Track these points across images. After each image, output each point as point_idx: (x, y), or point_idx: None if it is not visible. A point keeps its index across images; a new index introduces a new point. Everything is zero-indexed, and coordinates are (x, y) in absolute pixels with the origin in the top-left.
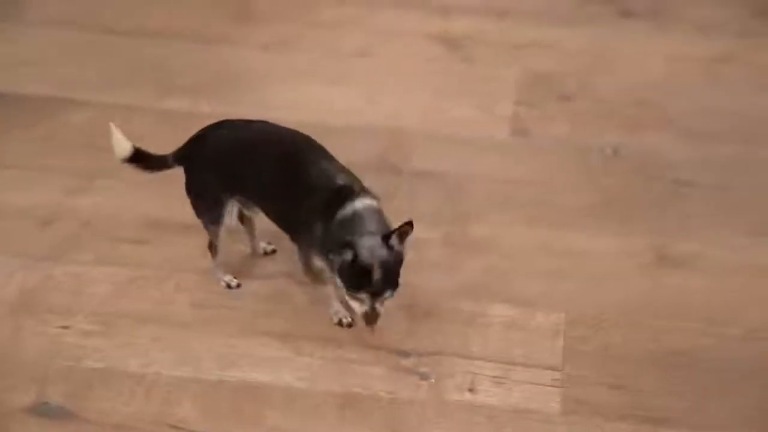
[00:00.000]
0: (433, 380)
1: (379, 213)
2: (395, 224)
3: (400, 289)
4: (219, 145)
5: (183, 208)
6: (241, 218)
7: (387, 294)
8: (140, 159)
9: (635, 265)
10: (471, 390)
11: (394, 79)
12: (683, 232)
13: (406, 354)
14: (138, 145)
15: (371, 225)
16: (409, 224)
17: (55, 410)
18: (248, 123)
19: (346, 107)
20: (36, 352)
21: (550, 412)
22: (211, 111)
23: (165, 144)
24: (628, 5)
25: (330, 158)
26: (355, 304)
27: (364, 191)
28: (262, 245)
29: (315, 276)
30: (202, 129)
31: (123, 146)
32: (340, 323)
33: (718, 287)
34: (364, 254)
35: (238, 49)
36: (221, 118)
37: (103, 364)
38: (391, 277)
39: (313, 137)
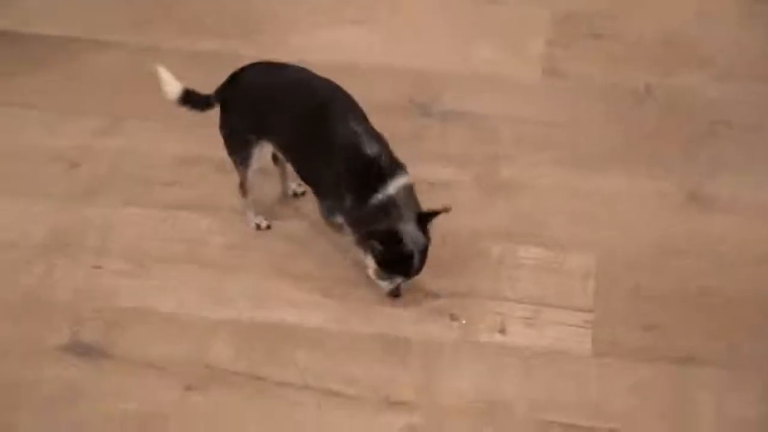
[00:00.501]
0: (463, 321)
1: (410, 191)
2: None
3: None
4: (251, 87)
5: (213, 149)
6: (275, 158)
7: (418, 275)
8: (189, 99)
9: (667, 205)
10: (501, 331)
11: (422, 19)
12: (716, 172)
13: (436, 295)
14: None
15: (407, 209)
16: (446, 209)
17: (88, 349)
18: (283, 67)
19: (373, 48)
20: (69, 292)
21: (581, 354)
22: (240, 51)
23: (196, 83)
24: None
25: (359, 116)
26: (383, 283)
27: (395, 165)
28: (293, 186)
29: (334, 225)
30: (239, 69)
31: (172, 87)
32: (396, 295)
33: (751, 227)
34: (408, 244)
35: None
36: (250, 60)
37: (135, 303)
38: (424, 261)
39: (342, 78)
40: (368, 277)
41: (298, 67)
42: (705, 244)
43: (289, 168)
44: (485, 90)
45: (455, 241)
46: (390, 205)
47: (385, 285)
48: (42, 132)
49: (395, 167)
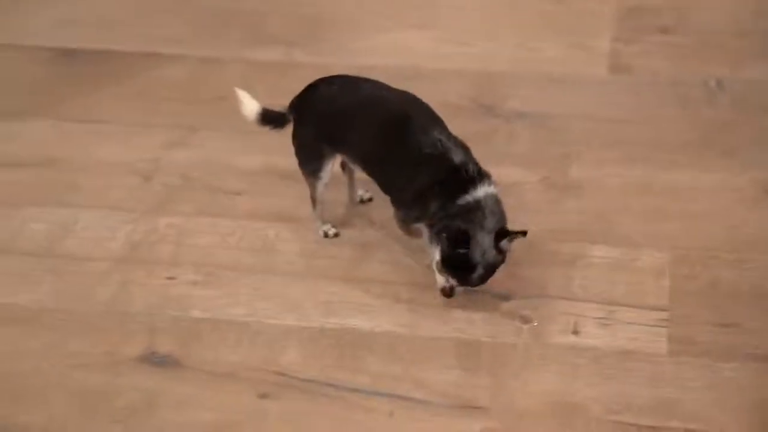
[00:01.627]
0: (535, 323)
1: (498, 203)
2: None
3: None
4: (328, 101)
5: (281, 157)
6: (343, 165)
7: (473, 287)
8: (268, 118)
9: (741, 200)
10: (575, 332)
11: (485, 20)
12: None
13: (506, 297)
14: (264, 105)
15: (491, 219)
16: (524, 233)
17: (163, 359)
18: (361, 82)
19: (438, 50)
20: (144, 303)
21: (656, 353)
22: (304, 60)
23: (259, 93)
24: None
25: (440, 126)
26: (440, 278)
27: (483, 173)
28: (359, 193)
29: (410, 233)
30: (315, 81)
31: (251, 108)
32: (448, 295)
33: None
34: (476, 253)
35: None
36: (314, 67)
37: (208, 313)
38: (487, 277)
39: (406, 81)
40: (429, 265)
41: (374, 80)
42: None
43: (357, 175)
44: (551, 89)
45: (525, 242)
46: (475, 208)
47: (440, 280)
48: (115, 146)
49: (483, 175)
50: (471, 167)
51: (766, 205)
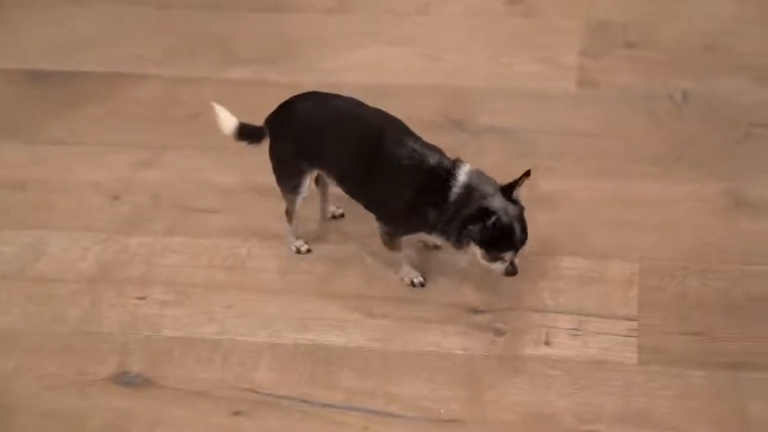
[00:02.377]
0: (508, 335)
1: (480, 173)
2: None
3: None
4: (304, 118)
5: (252, 176)
6: (317, 180)
7: (525, 245)
8: (245, 133)
9: (709, 210)
10: (547, 343)
11: (456, 36)
12: (758, 175)
13: (479, 310)
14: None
15: (486, 187)
16: (527, 174)
17: (135, 379)
18: (336, 98)
19: (409, 67)
20: (115, 324)
21: (627, 363)
22: (277, 79)
23: (232, 112)
24: None
25: (414, 136)
26: (495, 265)
27: (455, 160)
28: (331, 209)
29: (394, 247)
30: (290, 98)
31: (228, 122)
32: (412, 284)
33: None
34: (503, 216)
35: (298, 15)
36: (286, 86)
37: (180, 332)
38: (525, 229)
39: (377, 97)
40: (482, 266)
41: (348, 97)
42: (750, 247)
43: (330, 191)
44: (521, 103)
45: None
46: (468, 190)
47: (499, 266)
48: (86, 167)
49: (455, 161)
50: (444, 161)
51: (734, 215)
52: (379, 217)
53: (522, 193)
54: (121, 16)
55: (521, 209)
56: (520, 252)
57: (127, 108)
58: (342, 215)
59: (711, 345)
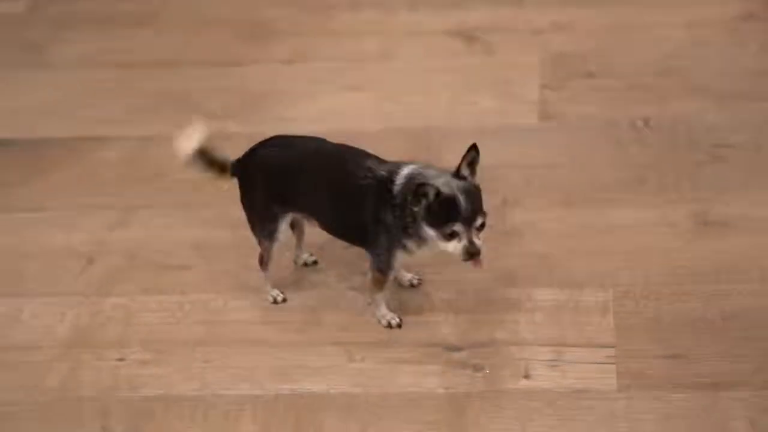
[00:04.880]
0: (487, 371)
1: (429, 166)
2: None
3: (489, 219)
4: (272, 162)
5: (221, 229)
6: (292, 225)
7: (479, 220)
8: (205, 158)
9: (678, 233)
10: (526, 377)
11: (416, 78)
12: (723, 195)
13: (457, 348)
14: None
15: (429, 172)
16: (473, 148)
17: None
18: (298, 139)
19: (371, 111)
20: (95, 387)
21: (607, 390)
22: (241, 131)
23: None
24: None
25: (373, 157)
26: (452, 245)
27: (398, 163)
28: (304, 256)
29: (382, 286)
30: (255, 145)
31: (189, 143)
32: (389, 325)
33: (765, 246)
34: (444, 188)
35: (259, 67)
36: (250, 137)
37: (161, 391)
38: (477, 203)
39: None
40: (445, 252)
41: (313, 137)
42: (721, 266)
43: (305, 238)
44: (486, 140)
45: (471, 292)
46: (409, 179)
47: (456, 246)
48: (58, 232)
49: (398, 163)
50: (392, 167)
51: (701, 236)
52: (367, 246)
53: (492, 230)
54: (82, 80)
55: (470, 184)
56: (477, 230)
57: (95, 171)
58: (315, 262)
59: (689, 366)
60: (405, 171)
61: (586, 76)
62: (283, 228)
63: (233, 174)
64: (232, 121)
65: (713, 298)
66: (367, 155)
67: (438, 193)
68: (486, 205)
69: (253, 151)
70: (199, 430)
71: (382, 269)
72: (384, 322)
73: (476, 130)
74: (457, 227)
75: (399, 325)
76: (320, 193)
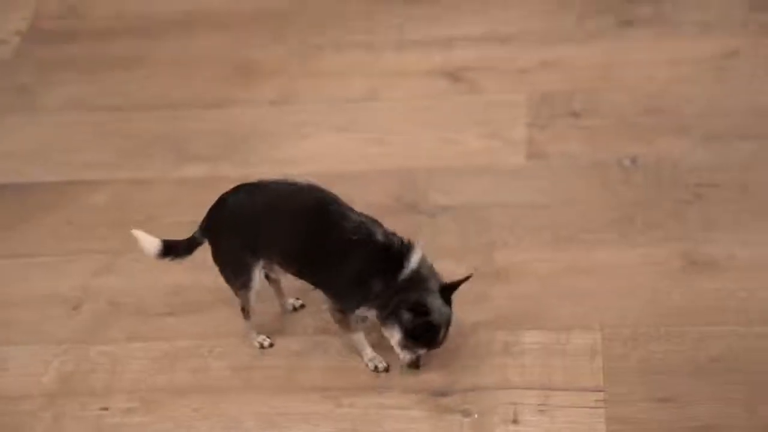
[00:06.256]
0: (476, 416)
1: (429, 263)
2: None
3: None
4: (239, 210)
5: (209, 275)
6: (267, 277)
7: (438, 348)
8: (171, 250)
9: (665, 273)
10: (515, 421)
11: (403, 119)
12: (710, 234)
13: (444, 393)
14: (164, 238)
15: (432, 281)
16: (470, 276)
17: None
18: (265, 183)
19: (359, 153)
20: None
21: None
22: (228, 173)
23: (189, 209)
24: (627, 14)
25: (352, 209)
26: (404, 353)
27: (407, 241)
28: (290, 301)
29: (348, 326)
30: (221, 196)
31: (151, 245)
32: (376, 369)
33: (753, 286)
34: (435, 316)
35: (245, 109)
36: (239, 179)
37: None
38: (447, 333)
39: (330, 185)
40: (391, 345)
41: (278, 180)
42: (710, 307)
43: (284, 284)
44: (472, 180)
45: (458, 336)
46: (416, 278)
47: (407, 356)
48: (43, 278)
49: (410, 244)
50: (396, 240)
51: (690, 276)
52: (328, 294)
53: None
54: (69, 123)
55: (450, 314)
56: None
57: (82, 216)
58: (302, 306)
59: (679, 410)
60: (414, 262)
61: (572, 115)
62: (257, 277)
63: (203, 235)
64: (222, 163)
65: (702, 340)
66: (347, 206)
67: (429, 322)
68: (470, 246)
69: (219, 202)
70: None
71: (343, 310)
72: (372, 365)
73: (462, 170)
74: (421, 351)
75: (386, 369)
76: (293, 238)
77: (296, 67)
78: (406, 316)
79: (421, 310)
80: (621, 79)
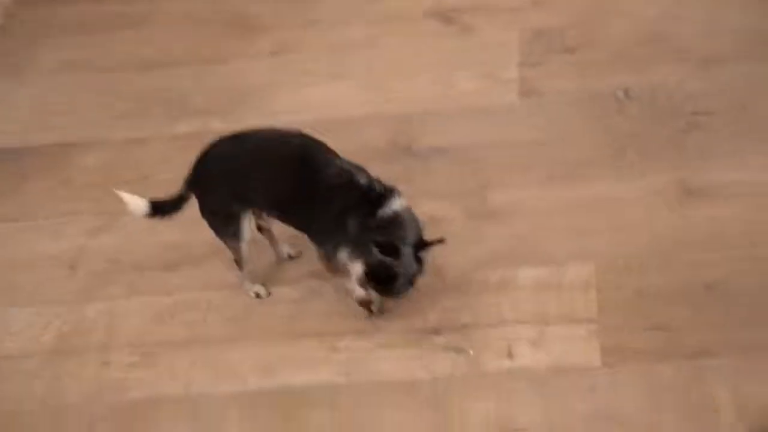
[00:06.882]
0: (471, 353)
1: (413, 215)
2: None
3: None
4: (222, 161)
5: (204, 229)
6: (259, 228)
7: (393, 299)
8: (159, 209)
9: (661, 203)
10: (509, 356)
11: (398, 64)
12: (706, 162)
13: (438, 332)
14: (152, 197)
15: (410, 230)
16: (442, 240)
17: None
18: (248, 133)
19: (354, 100)
20: (80, 393)
21: (590, 365)
22: (225, 127)
23: (184, 166)
24: None
25: (337, 155)
26: (360, 290)
27: (390, 188)
28: (285, 250)
29: (336, 270)
30: (204, 147)
31: (138, 206)
32: (370, 311)
33: (749, 209)
34: (400, 265)
35: (241, 62)
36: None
37: (147, 393)
38: (409, 288)
39: (325, 131)
40: (348, 282)
41: (261, 129)
42: (705, 235)
43: (277, 232)
44: (465, 121)
45: (453, 275)
46: (396, 220)
47: (360, 293)
48: (41, 241)
49: (392, 190)
50: (377, 185)
51: (686, 205)
52: (313, 239)
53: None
54: (61, 85)
55: (419, 271)
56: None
57: (77, 177)
58: (299, 253)
59: (673, 338)
60: (395, 205)
61: (566, 50)
62: (246, 227)
63: (189, 190)
64: (217, 118)
65: (697, 268)
66: (333, 152)
67: (391, 267)
68: (464, 186)
69: (202, 155)
70: (186, 430)
71: (329, 256)
72: (364, 308)
73: (455, 112)
74: (373, 295)
75: (381, 311)
76: (280, 186)
77: (292, 16)
78: (373, 251)
79: (389, 250)
80: (617, 10)
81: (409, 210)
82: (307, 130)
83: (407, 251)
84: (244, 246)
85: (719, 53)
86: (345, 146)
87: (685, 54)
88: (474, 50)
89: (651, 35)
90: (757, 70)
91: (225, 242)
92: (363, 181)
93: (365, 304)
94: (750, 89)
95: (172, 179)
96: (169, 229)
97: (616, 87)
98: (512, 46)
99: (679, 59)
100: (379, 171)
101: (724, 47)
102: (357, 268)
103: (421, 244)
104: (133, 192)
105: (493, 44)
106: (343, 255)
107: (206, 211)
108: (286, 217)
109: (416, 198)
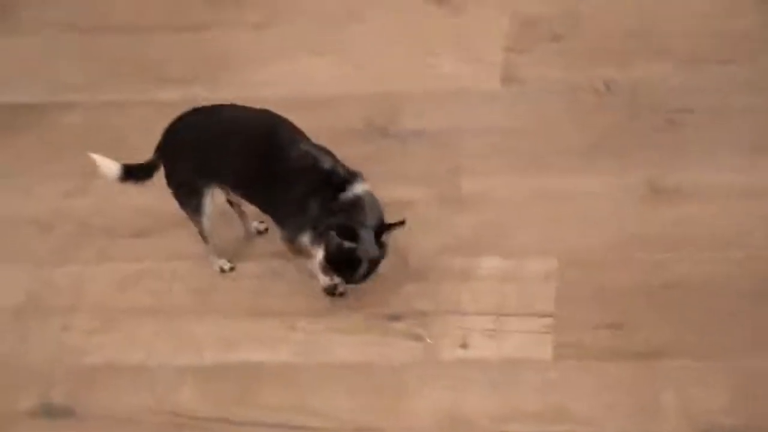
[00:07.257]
0: (429, 341)
1: (374, 199)
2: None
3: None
4: (190, 134)
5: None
6: (230, 202)
7: (357, 284)
8: (131, 174)
9: (629, 200)
10: (463, 346)
11: (382, 41)
12: (680, 161)
13: (397, 318)
14: (124, 161)
15: (371, 215)
16: (402, 223)
17: (58, 410)
18: (218, 108)
19: (335, 76)
20: (40, 355)
21: (541, 359)
22: (204, 96)
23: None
24: None
25: (304, 136)
26: (324, 277)
27: (354, 172)
28: (254, 225)
29: (299, 252)
30: (175, 118)
31: (111, 169)
32: (330, 293)
33: (714, 212)
34: (361, 249)
35: (223, 32)
36: (212, 102)
37: (105, 359)
38: (370, 273)
39: (301, 109)
40: (310, 267)
41: (232, 105)
42: (668, 235)
43: (247, 207)
44: (444, 104)
45: (418, 261)
46: (356, 204)
47: (324, 279)
48: (15, 199)
49: (354, 174)
50: (340, 169)
51: (653, 203)
52: (275, 220)
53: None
54: (42, 45)
55: (381, 255)
56: (352, 287)
57: (54, 137)
58: (266, 230)
59: (627, 336)
60: (357, 190)
61: (553, 38)
62: (208, 202)
63: (158, 157)
64: (197, 86)
65: (658, 266)
66: (299, 132)
67: (352, 251)
68: (438, 171)
69: (170, 127)
70: (140, 399)
71: (290, 238)
72: (323, 282)
73: (436, 94)
74: (337, 281)
75: (342, 294)
76: (243, 164)
77: None
78: (332, 235)
79: (347, 234)
80: (604, 2)
81: (370, 194)
82: (284, 105)
83: (367, 235)
84: (206, 221)
85: (702, 53)
86: (320, 124)
87: (667, 50)
88: (461, 32)
89: (638, 31)
90: (739, 71)
91: (188, 215)
92: (327, 165)
93: (329, 290)
94: (730, 91)
95: (150, 145)
96: (142, 195)
97: (598, 79)
98: (500, 31)
99: (661, 55)
100: (354, 151)
101: (707, 47)
102: (318, 255)
103: (382, 228)
104: (110, 158)
105: (482, 27)
106: (305, 238)
107: (171, 182)
108: (249, 197)
109: (388, 181)
